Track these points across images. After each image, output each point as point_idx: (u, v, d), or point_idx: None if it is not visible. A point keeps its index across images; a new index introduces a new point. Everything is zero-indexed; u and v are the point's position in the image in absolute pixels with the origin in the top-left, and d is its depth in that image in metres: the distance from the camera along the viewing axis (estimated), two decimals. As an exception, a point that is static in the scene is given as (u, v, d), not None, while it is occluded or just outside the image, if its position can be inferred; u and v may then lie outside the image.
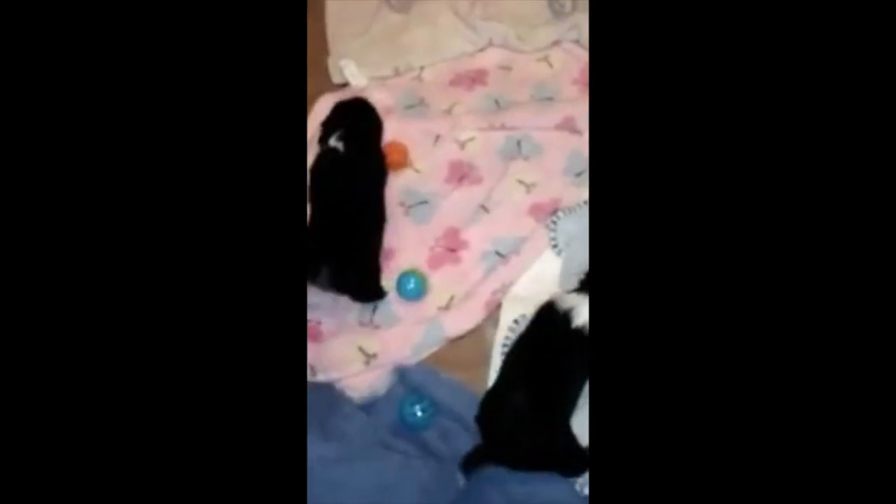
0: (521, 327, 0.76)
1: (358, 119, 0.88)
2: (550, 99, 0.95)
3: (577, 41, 1.00)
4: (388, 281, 0.81)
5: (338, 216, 0.79)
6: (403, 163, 0.89)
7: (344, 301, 0.80)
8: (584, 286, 0.71)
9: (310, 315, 0.79)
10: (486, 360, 0.76)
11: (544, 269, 0.81)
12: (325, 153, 0.84)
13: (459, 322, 0.78)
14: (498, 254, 0.83)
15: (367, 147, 0.86)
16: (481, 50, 1.00)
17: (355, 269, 0.78)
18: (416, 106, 0.95)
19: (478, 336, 0.78)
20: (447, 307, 0.80)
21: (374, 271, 0.80)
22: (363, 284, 0.79)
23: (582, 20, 0.99)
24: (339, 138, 0.84)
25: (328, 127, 0.87)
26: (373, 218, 0.82)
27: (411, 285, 0.80)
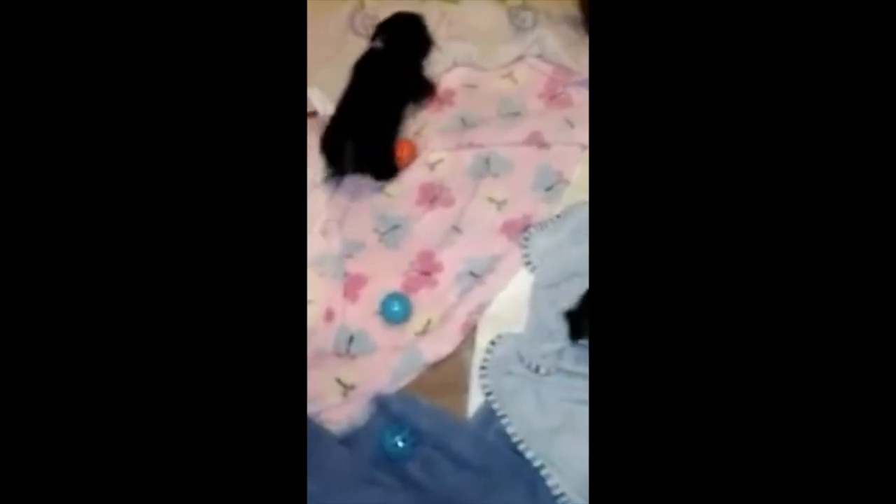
0: (498, 349, 0.76)
1: (407, 29, 0.99)
2: (516, 114, 0.96)
3: (539, 56, 1.00)
4: (368, 307, 0.81)
5: (367, 99, 0.91)
6: (412, 159, 0.91)
7: (321, 331, 0.80)
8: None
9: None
10: (464, 384, 0.75)
11: (519, 286, 0.81)
12: (368, 51, 0.96)
13: (437, 347, 0.77)
14: (472, 274, 0.83)
15: (407, 52, 0.97)
16: (447, 70, 1.00)
17: (378, 144, 0.90)
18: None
19: (455, 360, 0.77)
20: (424, 332, 0.79)
21: (393, 151, 0.90)
22: (384, 159, 0.90)
23: (543, 35, 0.99)
24: (383, 41, 0.95)
25: (380, 30, 0.98)
26: (398, 107, 0.93)
27: (396, 308, 0.79)
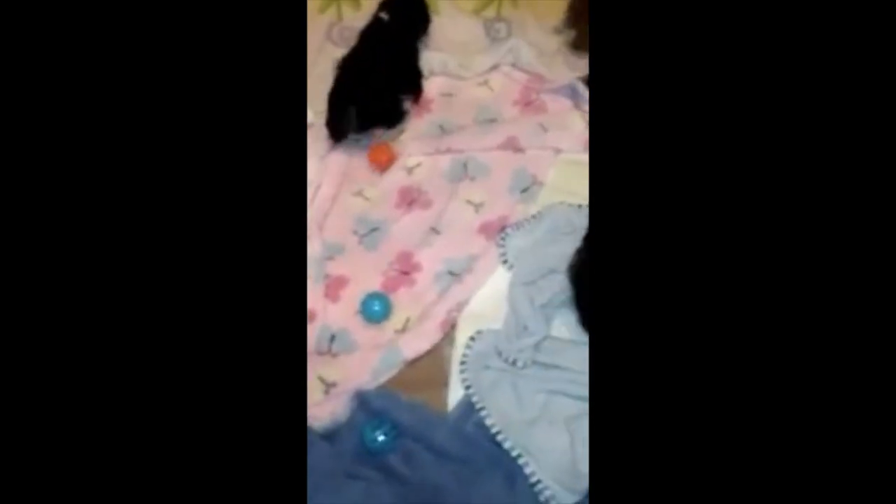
0: (477, 344, 0.77)
1: (410, 4, 1.03)
2: (493, 120, 0.99)
3: (513, 65, 1.04)
4: (349, 307, 0.82)
5: (371, 60, 0.96)
6: (391, 163, 0.93)
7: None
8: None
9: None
10: (444, 379, 0.76)
11: (497, 285, 0.83)
12: (372, 21, 1.00)
13: (417, 344, 0.79)
14: (451, 273, 0.85)
15: (409, 23, 1.02)
16: (425, 79, 1.03)
17: (384, 98, 0.94)
18: (362, 139, 0.97)
19: (435, 356, 0.79)
20: (403, 330, 0.81)
21: (400, 98, 0.96)
22: (392, 106, 0.95)
23: (517, 45, 1.03)
24: (389, 13, 0.99)
25: (384, 5, 1.01)
26: (402, 72, 0.98)
27: (376, 307, 0.81)
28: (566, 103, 0.98)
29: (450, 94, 1.02)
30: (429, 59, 1.03)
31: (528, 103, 1.01)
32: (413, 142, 0.96)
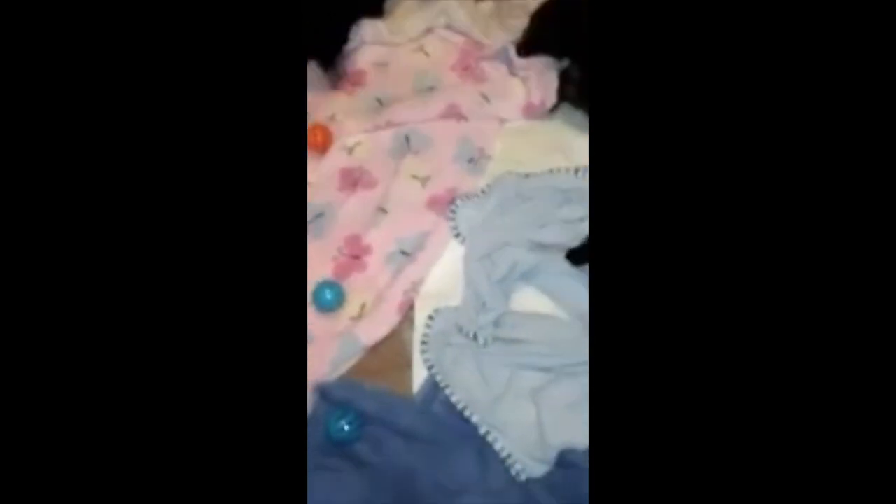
0: (436, 323, 0.77)
1: None
2: (432, 88, 0.95)
3: (448, 27, 1.00)
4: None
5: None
6: (328, 144, 0.89)
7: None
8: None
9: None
10: (407, 362, 0.76)
11: (452, 260, 0.82)
12: None
13: (374, 329, 0.78)
14: (403, 253, 0.83)
15: None
16: (356, 50, 0.98)
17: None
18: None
19: (395, 340, 0.78)
20: (360, 316, 0.79)
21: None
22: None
23: (448, 5, 0.99)
24: None
25: None
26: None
27: (328, 295, 0.78)
28: (503, 70, 0.95)
29: (384, 64, 0.98)
30: (357, 26, 0.98)
31: (466, 68, 0.97)
32: (350, 119, 0.92)
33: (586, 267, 0.77)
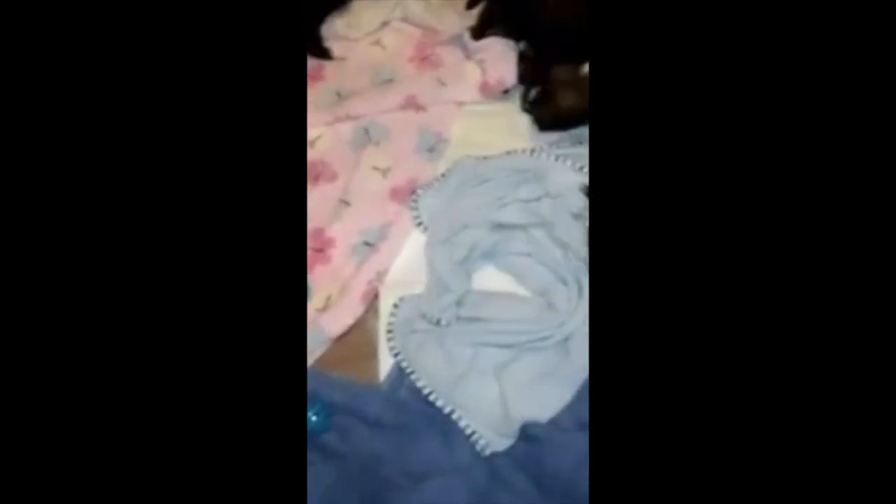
0: (401, 311, 0.77)
1: None
2: (390, 80, 0.96)
3: (404, 19, 1.00)
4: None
5: None
6: None
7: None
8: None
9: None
10: (373, 351, 0.76)
11: (415, 249, 0.82)
12: None
13: (340, 320, 0.78)
14: (366, 244, 0.83)
15: None
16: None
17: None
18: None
19: (361, 329, 0.78)
20: (325, 308, 0.79)
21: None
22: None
23: (404, -2, 0.99)
24: None
25: None
26: None
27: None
28: (459, 54, 0.96)
29: (342, 58, 0.98)
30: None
31: (423, 58, 0.98)
32: (310, 113, 0.92)
33: (549, 249, 0.78)
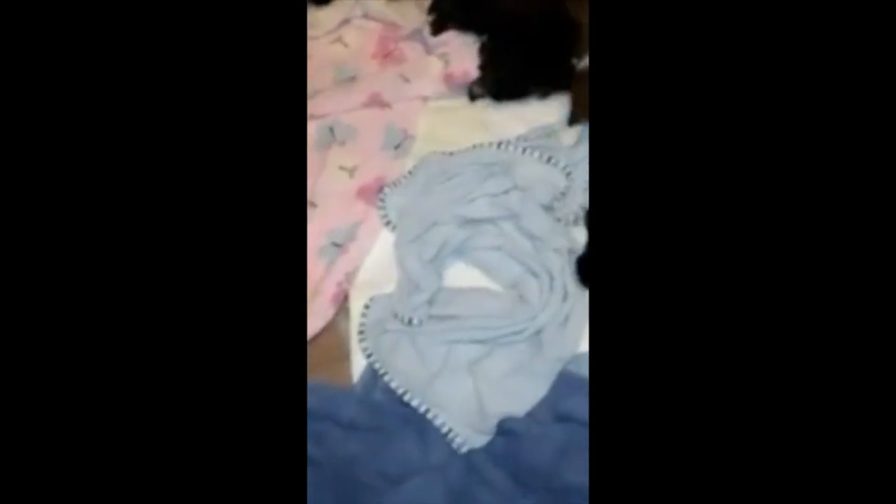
0: (372, 311, 0.76)
1: None
2: (353, 78, 0.94)
3: (365, 15, 0.99)
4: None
5: None
6: None
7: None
8: None
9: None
10: (345, 353, 0.75)
11: (384, 248, 0.81)
12: None
13: (311, 323, 0.76)
14: (335, 245, 0.82)
15: None
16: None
17: None
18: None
19: (332, 332, 0.77)
20: (295, 312, 0.78)
21: None
22: None
23: (363, -6, 0.98)
24: None
25: None
26: None
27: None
28: (420, 49, 0.95)
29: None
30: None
31: (386, 55, 0.97)
32: (272, 114, 0.91)
33: (518, 241, 0.77)
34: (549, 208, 0.79)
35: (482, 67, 0.90)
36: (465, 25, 0.93)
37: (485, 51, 0.91)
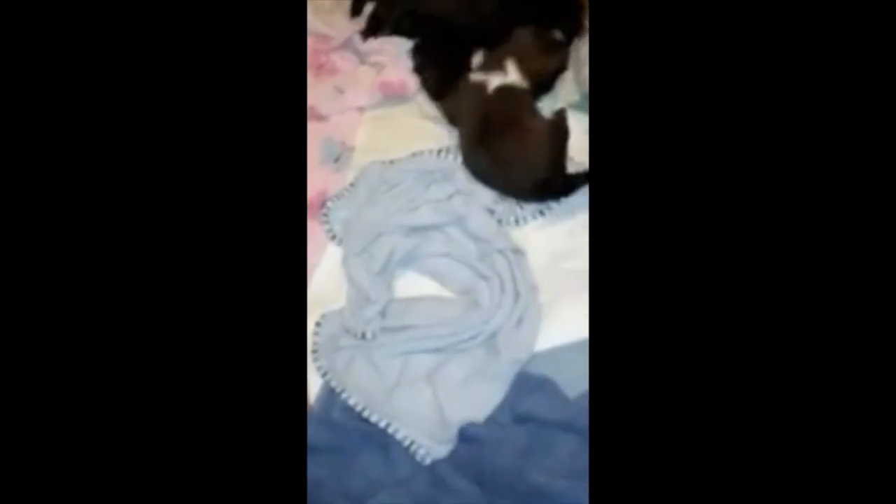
0: (324, 329, 0.75)
1: None
2: (286, 93, 0.93)
3: (295, 28, 0.97)
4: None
5: None
6: None
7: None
8: None
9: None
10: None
11: (331, 263, 0.80)
12: None
13: (261, 346, 0.75)
14: (281, 264, 0.80)
15: None
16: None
17: None
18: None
19: (284, 353, 0.75)
20: (244, 337, 0.76)
21: None
22: None
23: (289, 6, 0.96)
24: None
25: None
26: None
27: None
28: (353, 59, 0.94)
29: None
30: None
31: (319, 67, 0.96)
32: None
33: (464, 245, 0.77)
34: (492, 211, 0.79)
35: (417, 70, 0.90)
36: (395, 31, 0.93)
37: (418, 53, 0.91)
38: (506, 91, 0.83)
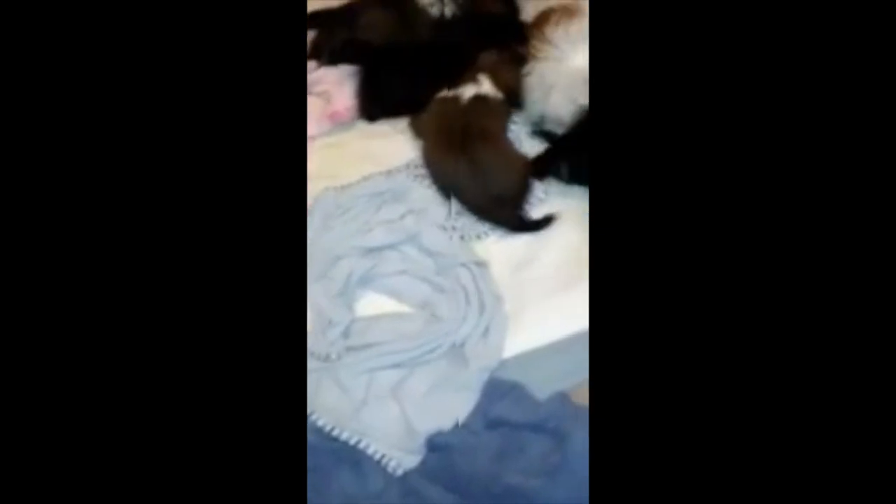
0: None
1: None
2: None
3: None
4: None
5: None
6: None
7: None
8: None
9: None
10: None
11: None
12: None
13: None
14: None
15: None
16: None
17: None
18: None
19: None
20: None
21: None
22: None
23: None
24: None
25: None
26: None
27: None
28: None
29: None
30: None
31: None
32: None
33: (420, 261, 0.79)
34: (444, 228, 0.81)
35: (358, 94, 0.93)
36: (331, 59, 0.96)
37: (359, 78, 0.94)
38: (482, 100, 0.87)
